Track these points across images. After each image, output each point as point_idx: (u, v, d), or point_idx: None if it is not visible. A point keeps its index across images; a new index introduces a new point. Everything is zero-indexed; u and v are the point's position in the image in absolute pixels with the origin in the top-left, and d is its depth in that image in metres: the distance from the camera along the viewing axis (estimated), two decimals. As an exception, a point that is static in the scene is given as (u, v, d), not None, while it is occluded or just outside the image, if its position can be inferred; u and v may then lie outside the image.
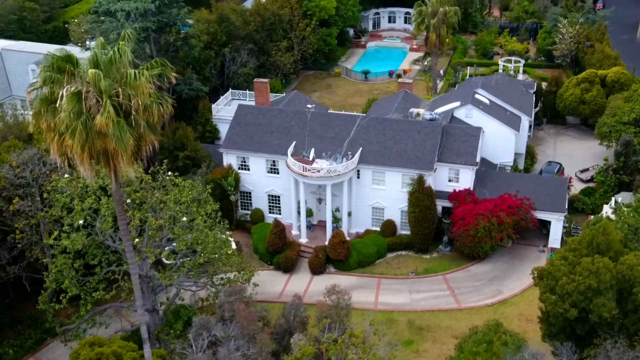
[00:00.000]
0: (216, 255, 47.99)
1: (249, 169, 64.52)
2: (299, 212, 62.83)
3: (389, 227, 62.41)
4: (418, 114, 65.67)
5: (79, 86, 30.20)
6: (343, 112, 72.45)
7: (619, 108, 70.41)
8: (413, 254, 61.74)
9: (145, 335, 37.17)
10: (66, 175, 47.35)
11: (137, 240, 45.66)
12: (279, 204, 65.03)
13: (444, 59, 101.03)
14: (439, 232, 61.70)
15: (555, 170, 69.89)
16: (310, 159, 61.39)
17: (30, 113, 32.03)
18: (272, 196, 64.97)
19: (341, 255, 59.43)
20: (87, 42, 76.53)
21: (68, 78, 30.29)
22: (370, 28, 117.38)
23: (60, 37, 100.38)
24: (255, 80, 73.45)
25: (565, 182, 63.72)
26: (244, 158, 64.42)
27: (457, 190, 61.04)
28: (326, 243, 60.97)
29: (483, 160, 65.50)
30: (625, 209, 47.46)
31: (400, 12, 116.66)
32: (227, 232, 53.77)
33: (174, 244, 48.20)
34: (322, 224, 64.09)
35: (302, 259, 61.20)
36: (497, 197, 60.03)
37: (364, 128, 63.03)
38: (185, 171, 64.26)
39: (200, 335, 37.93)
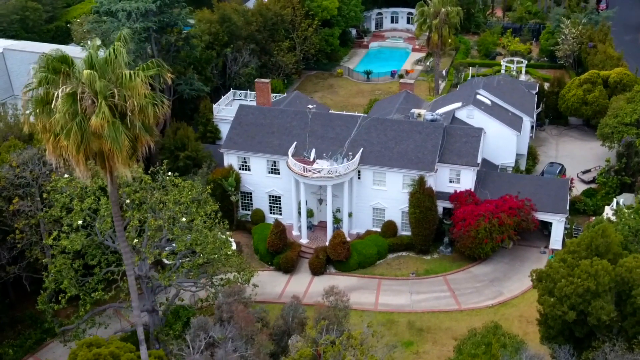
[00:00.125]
0: (215, 256, 47.89)
1: (249, 170, 64.47)
2: (299, 213, 62.74)
3: (389, 227, 62.30)
4: (419, 115, 65.56)
5: (75, 87, 30.14)
6: (344, 113, 72.33)
7: (621, 109, 70.18)
8: (414, 255, 61.62)
9: (142, 336, 37.11)
10: (66, 176, 47.31)
11: (136, 240, 45.59)
12: (280, 204, 64.97)
13: (447, 60, 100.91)
14: (440, 233, 61.56)
15: (557, 172, 69.67)
16: (311, 159, 61.31)
17: (27, 113, 31.94)
18: (273, 197, 64.91)
19: (342, 256, 59.34)
20: (89, 42, 76.34)
21: (63, 79, 30.22)
22: (373, 28, 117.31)
23: (63, 37, 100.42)
24: (256, 80, 73.40)
25: (566, 183, 63.54)
26: (244, 158, 64.36)
27: (458, 191, 60.90)
28: (327, 244, 60.87)
29: (484, 161, 65.33)
30: (626, 210, 47.27)
31: (402, 12, 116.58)
32: (228, 233, 53.75)
33: (174, 245, 48.15)
34: (322, 225, 64.00)
35: (303, 260, 61.11)
36: (498, 198, 59.88)
37: (365, 128, 62.92)
38: (186, 171, 64.28)
39: (198, 336, 37.84)
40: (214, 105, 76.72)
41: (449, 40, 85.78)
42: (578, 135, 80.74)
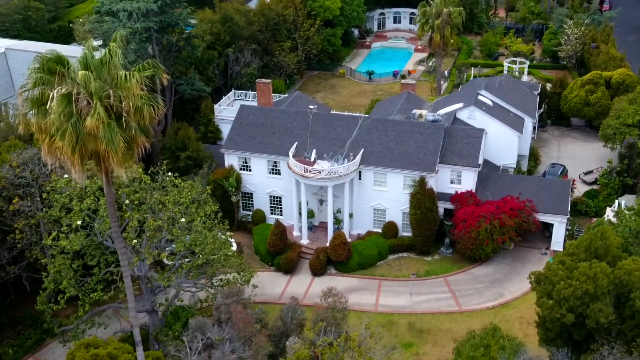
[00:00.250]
0: (215, 257, 47.80)
1: (250, 170, 64.41)
2: (300, 213, 62.65)
3: (390, 228, 62.19)
4: (421, 115, 65.45)
5: (70, 88, 30.07)
6: (345, 113, 72.22)
7: (624, 110, 69.93)
8: (414, 256, 61.49)
9: (138, 337, 37.08)
10: (65, 176, 47.29)
11: (135, 241, 45.54)
12: (281, 205, 64.90)
13: (449, 60, 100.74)
14: (441, 234, 61.40)
15: (559, 173, 69.46)
16: (312, 160, 61.21)
17: (23, 113, 31.88)
18: (274, 197, 64.84)
19: (342, 256, 59.24)
20: (92, 41, 76.34)
21: (59, 79, 30.15)
22: (375, 28, 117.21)
23: (65, 36, 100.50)
24: (257, 80, 73.32)
25: (568, 184, 63.36)
26: (245, 159, 64.30)
27: (459, 192, 60.75)
28: (327, 244, 60.78)
29: (486, 162, 65.17)
30: (627, 212, 47.07)
31: (405, 12, 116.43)
32: (228, 233, 53.70)
33: (174, 245, 48.08)
34: (323, 225, 63.91)
35: (303, 260, 61.03)
36: (500, 199, 59.72)
37: (366, 129, 62.81)
38: (186, 171, 64.27)
39: (196, 337, 37.76)
40: (215, 106, 76.68)
41: (451, 40, 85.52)
42: (580, 136, 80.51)
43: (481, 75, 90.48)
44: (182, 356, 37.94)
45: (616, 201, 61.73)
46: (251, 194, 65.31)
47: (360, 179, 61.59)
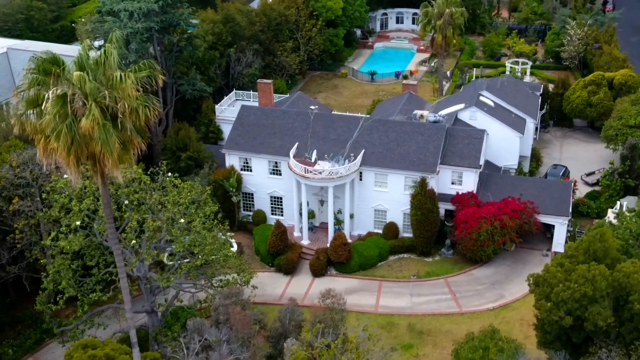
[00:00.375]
0: (214, 257, 47.71)
1: (251, 170, 64.34)
2: (300, 214, 62.55)
3: (391, 229, 62.08)
4: (422, 116, 65.30)
5: (65, 89, 29.99)
6: (346, 114, 72.11)
7: (626, 111, 69.65)
8: (415, 257, 61.37)
9: (135, 339, 37.01)
10: (65, 176, 47.24)
11: (134, 241, 45.48)
12: (281, 205, 64.82)
13: (451, 60, 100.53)
14: (442, 235, 61.26)
15: (561, 174, 69.25)
16: (313, 160, 61.11)
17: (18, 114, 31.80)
18: (275, 197, 64.76)
19: (342, 257, 59.14)
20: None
21: (54, 80, 30.07)
22: (378, 29, 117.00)
23: (68, 36, 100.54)
24: (258, 81, 73.24)
25: (569, 185, 63.17)
26: (246, 159, 64.24)
27: (460, 193, 60.60)
28: (328, 245, 60.68)
29: (487, 163, 65.01)
30: (628, 214, 46.85)
31: (408, 12, 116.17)
32: (229, 234, 53.65)
33: (173, 246, 48.01)
34: (324, 226, 63.81)
35: (304, 261, 60.95)
36: (501, 200, 59.56)
37: (367, 130, 62.70)
38: (187, 172, 64.26)
39: (193, 338, 37.68)
40: (216, 106, 76.64)
41: (454, 41, 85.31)
42: (582, 137, 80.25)
43: (483, 75, 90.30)
44: (179, 357, 37.87)
45: (618, 202, 61.51)
46: (252, 194, 65.24)
47: (361, 179, 61.49)
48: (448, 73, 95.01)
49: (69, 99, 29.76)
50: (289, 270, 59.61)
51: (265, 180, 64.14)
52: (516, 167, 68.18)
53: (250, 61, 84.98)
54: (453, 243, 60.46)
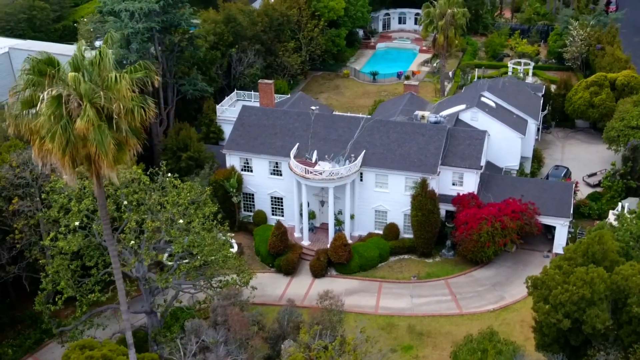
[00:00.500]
0: (213, 258, 47.62)
1: (252, 171, 64.27)
2: (301, 215, 62.45)
3: (391, 230, 61.96)
4: (423, 117, 65.16)
5: (60, 89, 29.92)
6: (347, 114, 72.00)
7: (628, 112, 69.45)
8: (416, 258, 61.25)
9: (131, 340, 36.91)
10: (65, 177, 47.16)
11: (132, 242, 45.41)
12: (282, 206, 64.73)
13: (454, 61, 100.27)
14: (442, 236, 61.13)
15: (562, 175, 69.05)
16: (313, 161, 61.00)
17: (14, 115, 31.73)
18: (275, 198, 64.68)
19: (343, 258, 59.03)
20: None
21: (49, 81, 30.00)
22: (380, 29, 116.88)
23: (70, 36, 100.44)
24: (259, 81, 73.11)
25: (570, 186, 62.97)
26: (247, 159, 64.17)
27: (460, 194, 60.46)
28: (328, 246, 60.57)
29: (488, 164, 64.85)
30: (629, 215, 46.64)
31: (410, 13, 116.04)
32: (229, 234, 53.55)
33: (172, 247, 47.94)
34: (324, 227, 63.72)
35: (304, 262, 60.86)
36: (502, 201, 59.40)
37: (368, 130, 62.58)
38: (188, 172, 64.21)
39: (190, 340, 37.59)
40: (217, 106, 76.59)
41: (455, 41, 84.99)
42: (584, 138, 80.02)
43: (485, 76, 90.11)
44: (176, 359, 37.78)
45: (619, 204, 61.29)
46: (252, 194, 65.17)
47: (361, 180, 61.37)
48: (450, 73, 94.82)
49: (64, 100, 29.69)
50: (289, 271, 59.52)
51: (265, 180, 64.07)
52: (517, 168, 68.02)
53: (251, 61, 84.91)
54: (454, 244, 60.32)
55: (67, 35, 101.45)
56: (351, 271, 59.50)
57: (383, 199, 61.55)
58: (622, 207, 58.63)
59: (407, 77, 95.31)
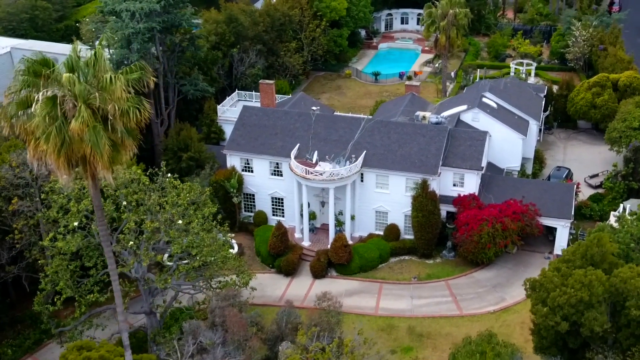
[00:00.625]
0: (212, 259, 47.55)
1: (252, 171, 64.20)
2: (302, 215, 62.36)
3: (392, 231, 61.82)
4: (424, 117, 65.01)
5: (55, 90, 29.87)
6: (348, 115, 71.89)
7: (630, 113, 69.22)
8: (416, 259, 61.11)
9: (127, 342, 36.91)
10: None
11: (131, 243, 45.37)
12: (282, 206, 64.64)
13: (456, 61, 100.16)
14: (443, 237, 60.98)
15: (564, 176, 68.84)
16: (314, 161, 60.90)
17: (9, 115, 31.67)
18: (276, 198, 64.59)
19: (343, 259, 58.91)
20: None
21: (44, 82, 29.95)
22: (383, 29, 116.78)
23: (72, 36, 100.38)
24: (260, 81, 73.02)
25: (572, 188, 62.75)
26: (247, 160, 64.11)
27: (461, 195, 60.30)
28: (328, 246, 60.46)
29: (489, 164, 64.67)
30: (629, 217, 46.44)
31: (412, 13, 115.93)
32: (230, 235, 53.44)
33: (172, 247, 47.89)
34: (325, 227, 63.62)
35: (304, 262, 60.75)
36: (502, 202, 59.22)
37: (369, 131, 62.46)
38: (189, 172, 64.16)
39: (187, 341, 37.51)
40: (218, 106, 76.52)
41: (457, 42, 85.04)
42: (586, 139, 79.77)
43: (487, 77, 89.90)
44: (173, 360, 37.78)
45: (621, 205, 61.06)
46: (253, 195, 65.10)
47: (362, 181, 61.25)
48: (452, 74, 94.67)
49: (59, 101, 29.63)
50: (290, 271, 59.43)
51: (266, 181, 63.99)
52: (519, 169, 67.81)
53: (253, 61, 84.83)
54: (454, 245, 60.15)
55: (69, 35, 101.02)
56: (351, 272, 59.38)
57: (383, 199, 61.43)
58: (624, 209, 58.42)
59: (409, 78, 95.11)
